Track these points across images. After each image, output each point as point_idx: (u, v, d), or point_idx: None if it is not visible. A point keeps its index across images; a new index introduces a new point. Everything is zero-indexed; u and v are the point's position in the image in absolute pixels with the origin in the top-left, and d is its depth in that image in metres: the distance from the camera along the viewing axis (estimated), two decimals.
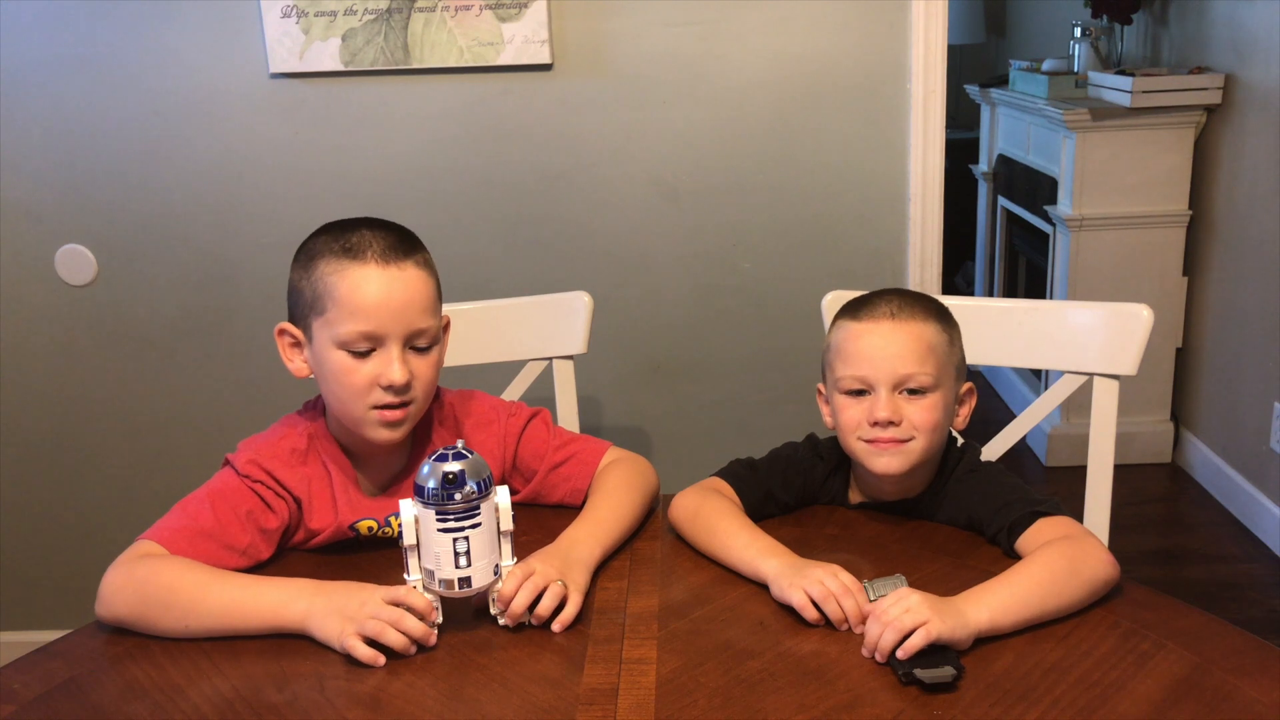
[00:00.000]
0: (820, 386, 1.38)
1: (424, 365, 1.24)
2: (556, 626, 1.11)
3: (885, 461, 1.27)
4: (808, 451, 1.38)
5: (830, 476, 1.37)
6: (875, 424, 1.26)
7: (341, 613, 1.07)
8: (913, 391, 1.26)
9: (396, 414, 1.23)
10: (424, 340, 1.24)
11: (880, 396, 1.26)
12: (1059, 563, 1.11)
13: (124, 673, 1.07)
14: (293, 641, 1.10)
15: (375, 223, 1.25)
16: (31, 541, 2.41)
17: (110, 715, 1.01)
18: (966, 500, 1.29)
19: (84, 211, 2.22)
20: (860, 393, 1.28)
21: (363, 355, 1.21)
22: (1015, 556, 1.20)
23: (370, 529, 1.29)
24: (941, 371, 1.27)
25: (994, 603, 1.05)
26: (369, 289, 1.19)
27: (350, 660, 1.06)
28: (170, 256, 2.24)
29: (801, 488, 1.37)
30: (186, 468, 2.29)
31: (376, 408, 1.22)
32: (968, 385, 1.34)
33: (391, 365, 1.20)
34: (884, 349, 1.26)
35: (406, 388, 1.22)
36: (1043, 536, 1.17)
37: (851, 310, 1.32)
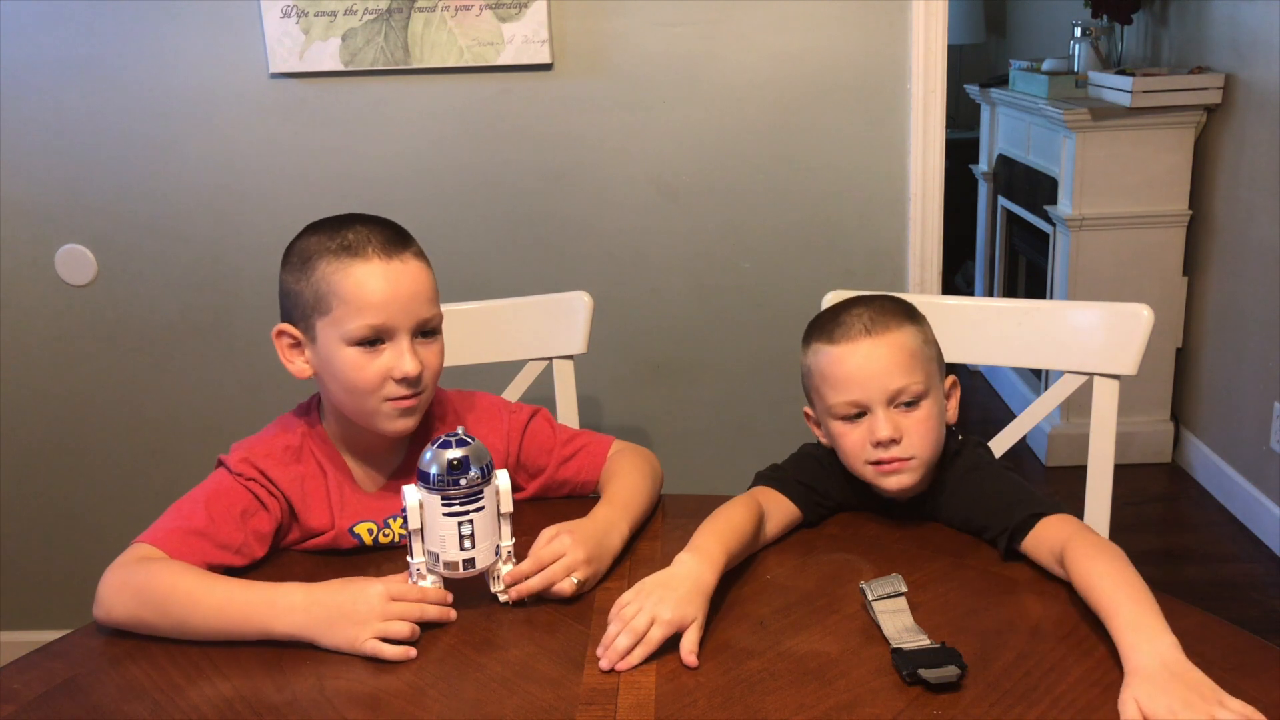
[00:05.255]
0: (807, 410, 1.36)
1: (431, 354, 1.26)
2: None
3: (896, 480, 1.26)
4: (825, 448, 1.36)
5: (851, 476, 1.33)
6: (878, 444, 1.24)
7: (349, 619, 1.07)
8: (908, 403, 1.25)
9: (410, 403, 1.24)
10: (430, 328, 1.26)
11: (878, 416, 1.24)
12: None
13: (124, 673, 1.07)
14: (293, 641, 1.10)
15: (364, 218, 1.26)
16: (31, 541, 2.41)
17: (110, 715, 1.01)
18: (968, 498, 1.28)
19: (84, 211, 2.22)
20: (857, 414, 1.26)
21: (373, 350, 1.22)
22: (1017, 559, 1.20)
23: (370, 531, 1.29)
24: (929, 375, 1.27)
25: None
26: (375, 284, 1.21)
27: (352, 660, 1.06)
28: (170, 256, 2.24)
29: (834, 478, 1.34)
30: (186, 468, 2.29)
31: (390, 399, 1.23)
32: (951, 378, 1.33)
33: (403, 357, 1.22)
34: (869, 368, 1.25)
35: (419, 378, 1.23)
36: (1045, 536, 1.17)
37: (825, 334, 1.29)
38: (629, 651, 1.04)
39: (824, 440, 1.34)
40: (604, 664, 1.04)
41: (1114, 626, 1.01)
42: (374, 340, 1.21)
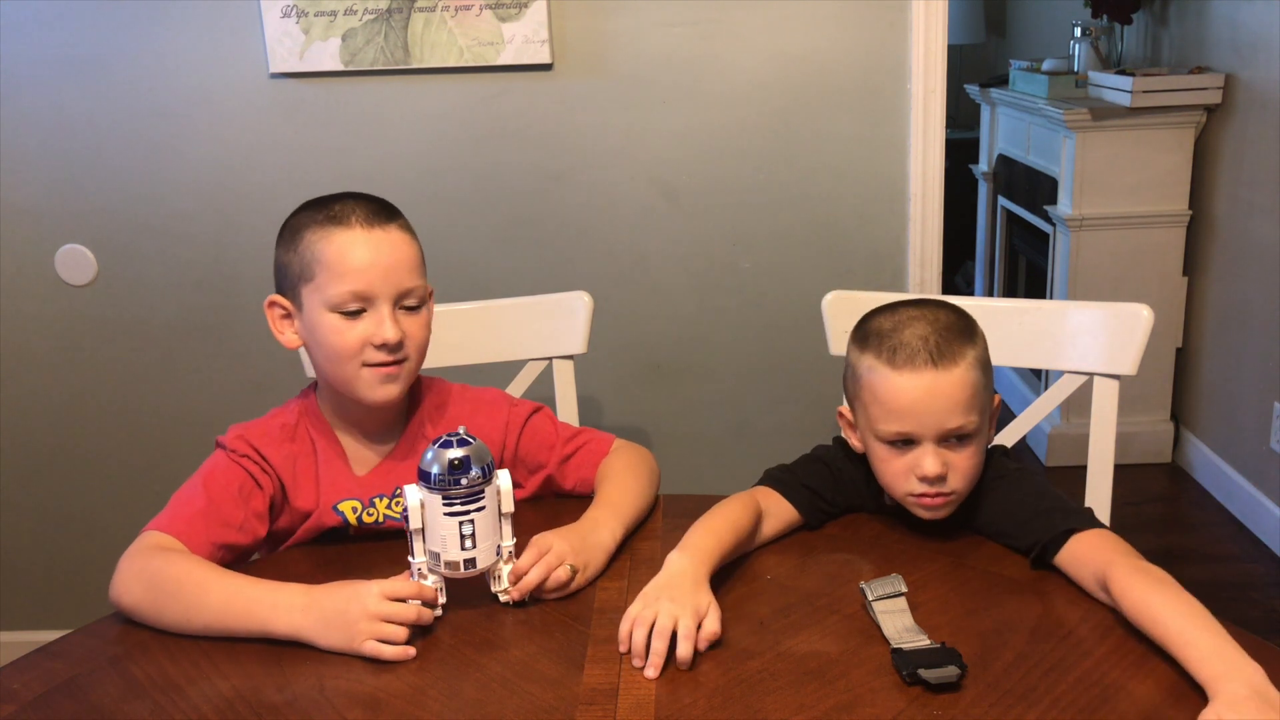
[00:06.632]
0: (843, 410, 1.31)
1: (414, 325, 1.27)
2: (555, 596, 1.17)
3: (933, 514, 1.24)
4: (838, 452, 1.35)
5: (868, 477, 1.31)
6: (923, 479, 1.21)
7: (346, 619, 1.07)
8: (959, 439, 1.20)
9: (390, 370, 1.25)
10: (413, 299, 1.26)
11: (927, 451, 1.20)
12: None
13: (124, 673, 1.07)
14: (293, 641, 1.10)
15: (355, 194, 1.28)
16: (31, 541, 2.41)
17: (110, 715, 1.01)
18: (996, 509, 1.25)
19: (84, 211, 2.22)
20: (903, 442, 1.22)
21: (354, 316, 1.23)
22: (1048, 569, 1.17)
23: (355, 509, 1.29)
24: (983, 409, 1.22)
25: None
26: (356, 250, 1.23)
27: (352, 660, 1.06)
28: (170, 256, 2.24)
29: (842, 486, 1.32)
30: (187, 467, 2.28)
31: (369, 365, 1.24)
32: (996, 399, 1.27)
33: (383, 324, 1.23)
34: (929, 404, 1.18)
35: (399, 346, 1.24)
36: (1082, 556, 1.13)
37: (884, 351, 1.21)
38: (666, 653, 1.03)
39: (857, 444, 1.30)
40: (650, 672, 1.02)
41: (1190, 658, 0.96)
42: (355, 306, 1.23)
